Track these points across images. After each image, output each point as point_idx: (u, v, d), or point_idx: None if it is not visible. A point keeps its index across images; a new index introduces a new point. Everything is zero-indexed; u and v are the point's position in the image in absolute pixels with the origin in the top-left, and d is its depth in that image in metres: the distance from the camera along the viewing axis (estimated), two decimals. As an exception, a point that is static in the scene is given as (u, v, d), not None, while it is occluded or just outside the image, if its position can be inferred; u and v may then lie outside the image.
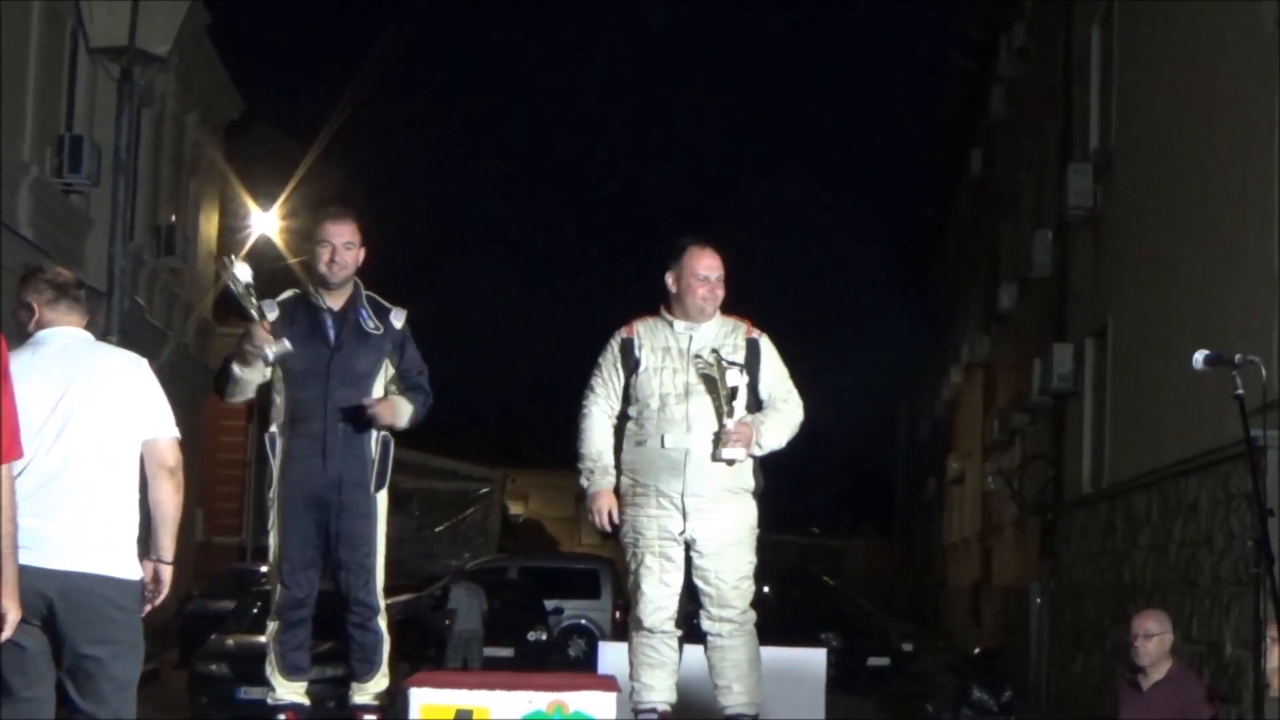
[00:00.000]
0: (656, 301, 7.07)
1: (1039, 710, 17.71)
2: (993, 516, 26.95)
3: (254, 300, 6.72)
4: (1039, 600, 19.30)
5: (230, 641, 16.52)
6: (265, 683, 7.03)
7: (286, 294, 7.08)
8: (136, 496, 5.89)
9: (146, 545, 5.91)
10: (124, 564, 5.78)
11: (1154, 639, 7.85)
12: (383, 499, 7.02)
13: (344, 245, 6.92)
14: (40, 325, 5.89)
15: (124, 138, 13.53)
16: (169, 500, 5.87)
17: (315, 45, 70.07)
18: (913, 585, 42.48)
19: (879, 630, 25.11)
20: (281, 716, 6.92)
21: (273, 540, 7.00)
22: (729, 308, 7.02)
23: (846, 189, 76.85)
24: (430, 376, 7.14)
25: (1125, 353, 16.02)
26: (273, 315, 6.93)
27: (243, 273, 6.68)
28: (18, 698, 5.56)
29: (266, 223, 27.53)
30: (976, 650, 18.16)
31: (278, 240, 27.93)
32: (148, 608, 5.92)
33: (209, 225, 28.10)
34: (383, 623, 7.02)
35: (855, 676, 21.28)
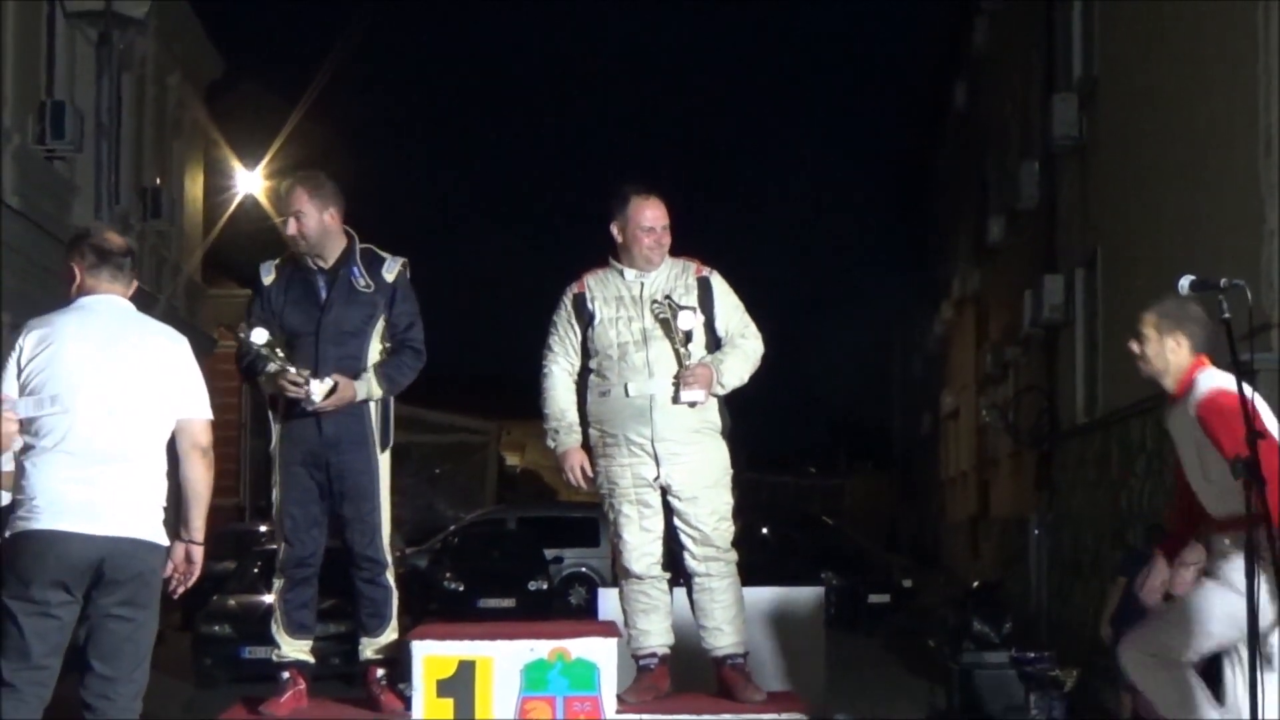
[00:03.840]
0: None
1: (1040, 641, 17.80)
2: (989, 449, 27.02)
3: (279, 355, 6.65)
4: (1037, 531, 19.37)
5: (232, 601, 16.58)
6: (271, 641, 6.98)
7: (281, 258, 6.98)
8: (165, 470, 5.88)
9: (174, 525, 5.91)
10: (159, 530, 5.83)
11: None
12: (384, 455, 6.96)
13: (295, 214, 6.77)
14: (82, 291, 5.89)
15: (105, 101, 13.52)
16: (201, 480, 5.88)
17: (295, 2, 69.61)
18: (912, 521, 42.59)
19: (878, 567, 25.21)
20: (285, 674, 6.89)
21: (275, 496, 6.95)
22: (680, 250, 6.96)
23: (831, 127, 76.69)
24: (424, 329, 7.04)
25: (1115, 281, 16.02)
26: (269, 279, 6.90)
27: (259, 336, 6.63)
28: (33, 663, 5.58)
29: (252, 182, 27.45)
30: (976, 583, 18.21)
31: (263, 200, 27.89)
32: (180, 589, 5.94)
33: (194, 186, 27.98)
34: (391, 577, 6.97)
35: (856, 614, 21.40)
